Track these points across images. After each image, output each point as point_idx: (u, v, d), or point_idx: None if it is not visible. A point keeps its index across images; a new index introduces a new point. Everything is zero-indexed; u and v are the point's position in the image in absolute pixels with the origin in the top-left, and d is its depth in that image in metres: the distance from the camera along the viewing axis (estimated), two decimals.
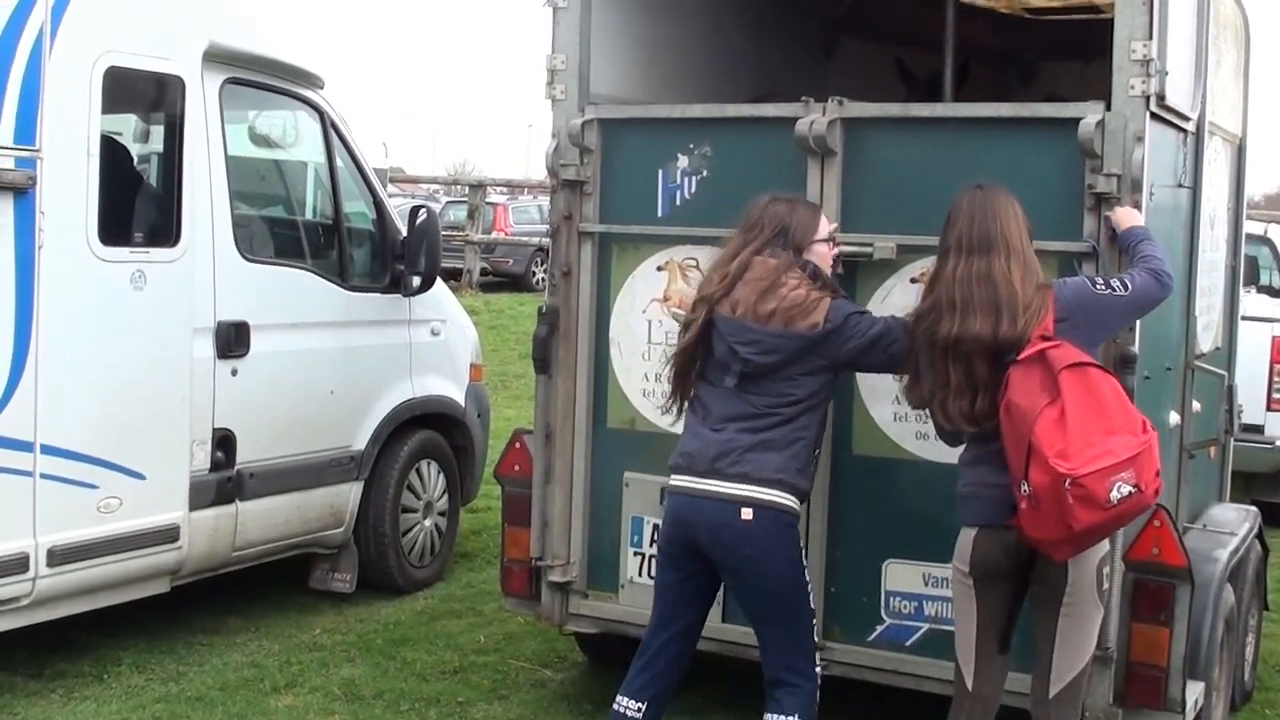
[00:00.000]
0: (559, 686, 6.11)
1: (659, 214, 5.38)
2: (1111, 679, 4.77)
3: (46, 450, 5.59)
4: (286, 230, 7.20)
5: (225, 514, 6.35)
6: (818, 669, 4.55)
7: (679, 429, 4.69)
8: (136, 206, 6.22)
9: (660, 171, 5.36)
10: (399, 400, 7.26)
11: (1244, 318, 6.91)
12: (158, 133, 6.39)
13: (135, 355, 5.90)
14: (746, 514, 4.39)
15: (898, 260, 4.94)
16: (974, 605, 4.39)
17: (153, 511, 6.01)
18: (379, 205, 7.34)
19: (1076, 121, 4.63)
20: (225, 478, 6.34)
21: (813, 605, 4.57)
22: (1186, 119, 5.19)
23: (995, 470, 4.29)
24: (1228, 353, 6.35)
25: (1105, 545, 4.34)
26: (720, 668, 4.75)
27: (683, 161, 5.32)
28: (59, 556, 5.65)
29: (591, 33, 5.53)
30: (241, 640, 6.57)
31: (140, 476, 5.94)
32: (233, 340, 6.32)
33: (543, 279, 14.86)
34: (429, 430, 7.51)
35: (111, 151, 5.91)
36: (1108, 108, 4.64)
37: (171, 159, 6.15)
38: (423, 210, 7.39)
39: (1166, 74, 4.69)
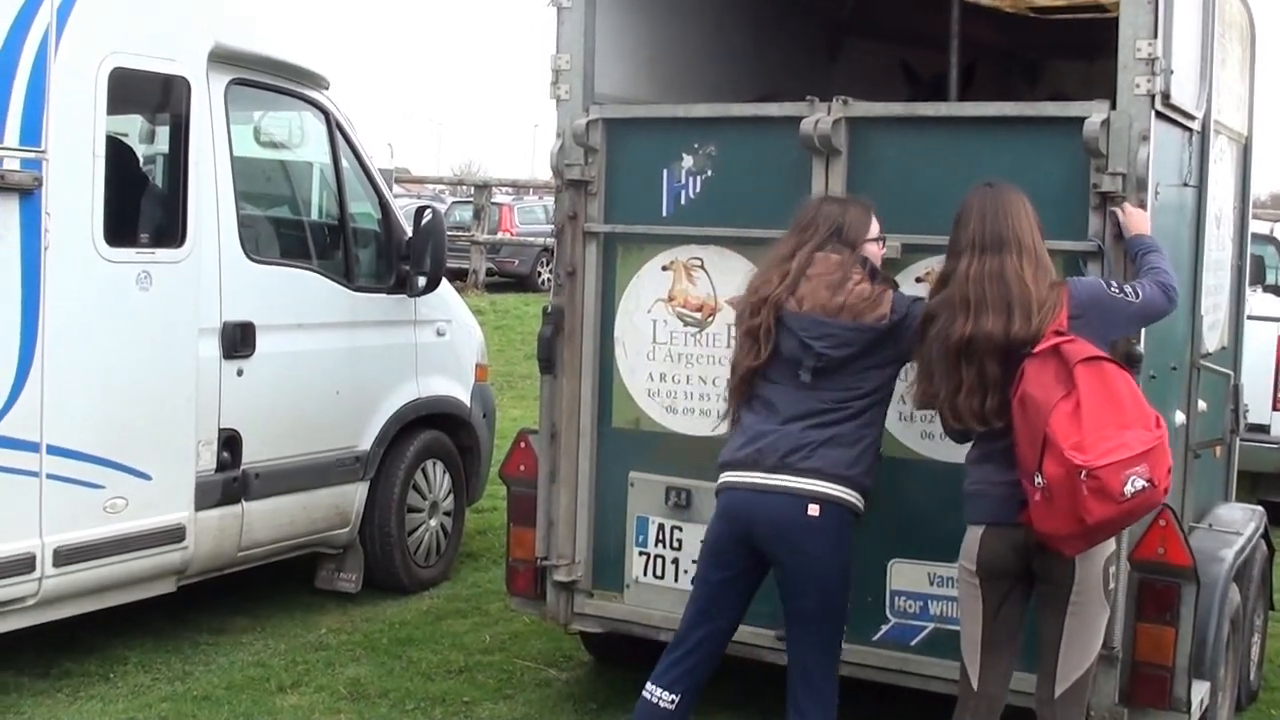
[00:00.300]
0: (564, 686, 6.11)
1: (664, 213, 5.38)
2: (1117, 679, 4.76)
3: (52, 450, 5.60)
4: (292, 231, 7.19)
5: (231, 514, 6.36)
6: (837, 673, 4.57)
7: (683, 428, 4.68)
8: (142, 207, 6.23)
9: (665, 171, 5.36)
10: (404, 400, 7.26)
11: (1250, 317, 6.88)
12: (163, 134, 6.39)
13: (141, 356, 5.91)
14: (814, 509, 4.40)
15: (902, 260, 4.93)
16: (979, 605, 4.38)
17: (158, 511, 6.02)
18: (384, 206, 7.33)
19: (1081, 120, 4.62)
20: (231, 478, 6.34)
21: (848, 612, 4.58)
22: (1192, 118, 5.18)
23: (1002, 468, 4.29)
24: (1233, 352, 6.33)
25: (1111, 544, 4.33)
26: (720, 667, 4.75)
27: (687, 161, 5.32)
28: (65, 556, 5.65)
29: (596, 33, 5.53)
30: (247, 640, 6.58)
31: (146, 477, 5.94)
32: (238, 341, 6.33)
33: (548, 279, 14.87)
34: (434, 430, 7.51)
35: (117, 152, 5.91)
36: (1113, 107, 4.63)
37: (177, 160, 6.16)
38: (428, 210, 7.38)
39: (1172, 73, 4.68)
